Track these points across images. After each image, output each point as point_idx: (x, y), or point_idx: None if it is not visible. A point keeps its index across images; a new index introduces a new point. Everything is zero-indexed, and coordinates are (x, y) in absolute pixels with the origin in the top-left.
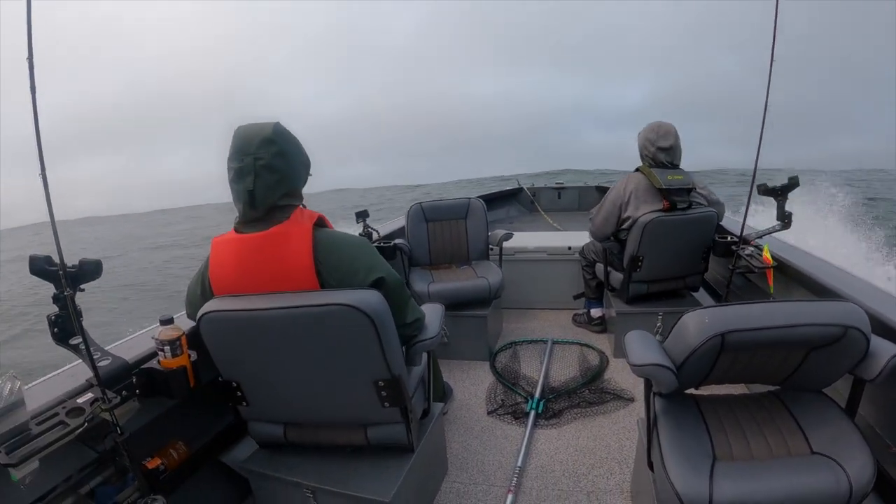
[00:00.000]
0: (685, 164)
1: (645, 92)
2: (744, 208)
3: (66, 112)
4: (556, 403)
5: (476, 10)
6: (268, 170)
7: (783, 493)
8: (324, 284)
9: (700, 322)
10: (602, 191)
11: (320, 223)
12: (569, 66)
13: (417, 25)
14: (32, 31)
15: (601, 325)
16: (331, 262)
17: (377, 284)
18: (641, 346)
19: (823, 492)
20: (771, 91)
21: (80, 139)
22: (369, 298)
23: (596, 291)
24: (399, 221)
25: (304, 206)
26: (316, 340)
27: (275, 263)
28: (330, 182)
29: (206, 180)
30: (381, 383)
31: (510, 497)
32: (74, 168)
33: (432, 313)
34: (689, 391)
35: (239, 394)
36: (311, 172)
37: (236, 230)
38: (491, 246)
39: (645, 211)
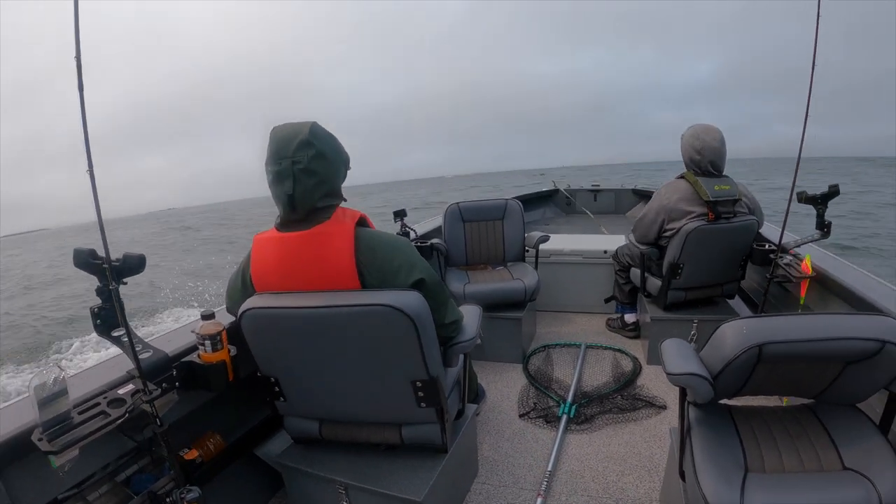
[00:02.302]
0: (750, 146)
1: (714, 66)
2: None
3: (124, 105)
4: (588, 408)
5: None
6: (307, 173)
7: None
8: (365, 284)
9: (738, 332)
10: (639, 194)
11: (362, 222)
12: (633, 42)
13: (465, 8)
14: (80, 29)
15: (635, 331)
16: (373, 261)
17: (418, 285)
18: (678, 354)
19: None
20: (854, 59)
21: (137, 134)
22: (411, 300)
23: (629, 297)
24: (436, 221)
25: (346, 201)
26: (356, 340)
27: (316, 262)
28: (395, 172)
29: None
30: (418, 384)
31: (539, 500)
32: (138, 162)
33: (470, 315)
34: (723, 401)
35: (277, 389)
36: (349, 166)
37: (277, 229)
38: (527, 248)
39: (688, 220)
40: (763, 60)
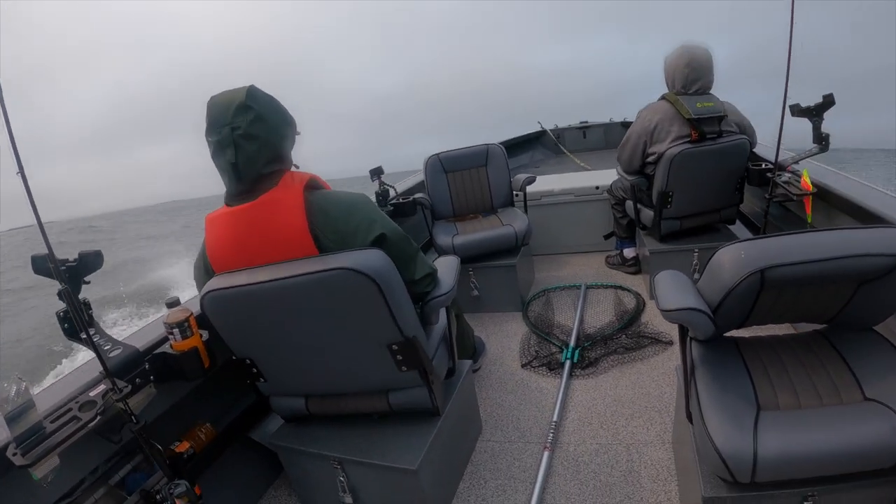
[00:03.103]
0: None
1: (722, 54)
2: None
3: (121, 99)
4: (592, 351)
5: None
6: (247, 139)
7: (835, 444)
8: (322, 249)
9: (736, 257)
10: (628, 126)
11: (313, 184)
12: (638, 30)
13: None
14: None
15: (635, 266)
16: (327, 223)
17: (379, 241)
18: (673, 288)
19: (879, 442)
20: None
21: (140, 127)
22: (371, 259)
23: (627, 230)
24: (417, 176)
25: (297, 168)
26: (321, 309)
27: (269, 233)
28: (406, 161)
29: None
30: (394, 347)
31: (546, 454)
32: (139, 154)
33: (446, 266)
34: (728, 334)
35: (254, 370)
36: (298, 131)
37: (227, 204)
38: (515, 192)
39: (672, 143)
40: (771, 49)
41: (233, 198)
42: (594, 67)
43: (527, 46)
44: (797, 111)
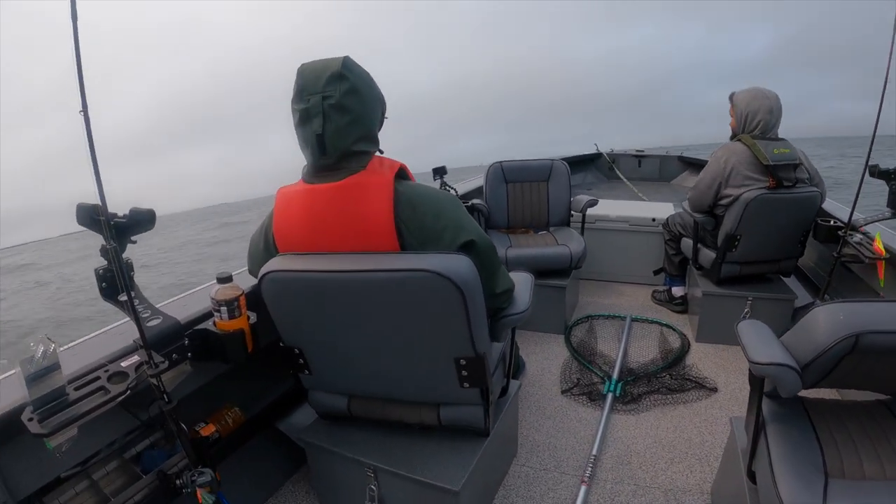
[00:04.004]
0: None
1: (766, 40)
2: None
3: (158, 104)
4: (635, 387)
5: None
6: (339, 110)
7: None
8: (404, 245)
9: (833, 318)
10: (685, 161)
11: (402, 174)
12: (682, 15)
13: None
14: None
15: (682, 305)
16: (414, 219)
17: (466, 248)
18: (760, 340)
19: None
20: None
21: (177, 133)
22: (459, 265)
23: (678, 268)
24: (477, 181)
25: (383, 153)
26: (394, 310)
27: (349, 219)
28: (439, 161)
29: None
30: (462, 361)
31: (584, 489)
32: (182, 160)
33: (522, 284)
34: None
35: (301, 361)
36: (386, 114)
37: (305, 181)
38: (572, 212)
39: (747, 189)
40: (820, 31)
41: (313, 174)
42: (638, 57)
43: (567, 37)
44: (876, 173)
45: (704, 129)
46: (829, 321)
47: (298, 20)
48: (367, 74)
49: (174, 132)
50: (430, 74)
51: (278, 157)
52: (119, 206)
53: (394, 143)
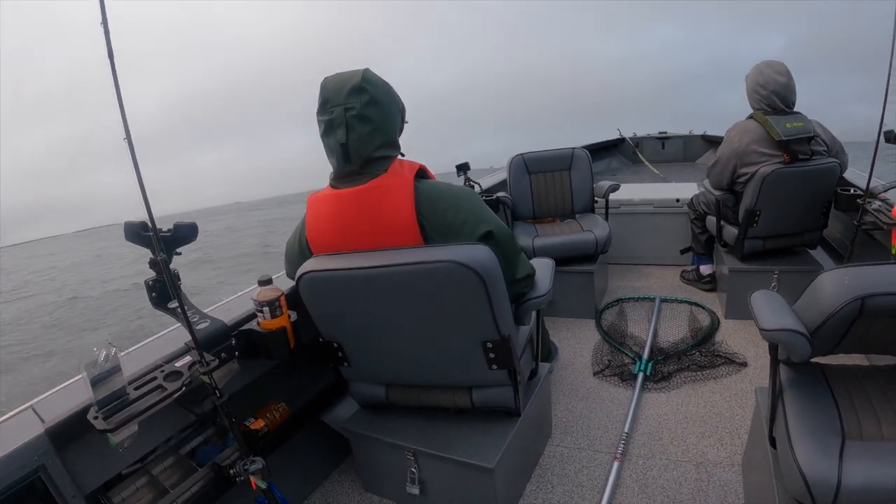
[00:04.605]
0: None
1: (785, 41)
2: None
3: (168, 105)
4: (665, 366)
5: None
6: (360, 120)
7: None
8: (428, 239)
9: (839, 283)
10: (708, 140)
11: (422, 174)
12: (703, 16)
13: None
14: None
15: (711, 284)
16: (435, 215)
17: (486, 238)
18: (770, 308)
19: None
20: None
21: (188, 133)
22: (479, 254)
23: (705, 247)
24: (501, 174)
25: (403, 156)
26: (420, 300)
27: (375, 219)
28: (456, 161)
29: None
30: (489, 344)
31: (616, 465)
32: (194, 159)
33: (543, 269)
34: (815, 360)
35: (340, 354)
36: (406, 119)
37: (332, 186)
38: (596, 198)
39: (762, 165)
40: (839, 36)
41: (339, 180)
42: (653, 58)
43: (582, 39)
44: (893, 138)
45: (721, 130)
46: (834, 286)
47: (319, 25)
48: (386, 84)
49: (180, 133)
50: (443, 75)
51: (290, 155)
52: (130, 208)
53: (403, 143)
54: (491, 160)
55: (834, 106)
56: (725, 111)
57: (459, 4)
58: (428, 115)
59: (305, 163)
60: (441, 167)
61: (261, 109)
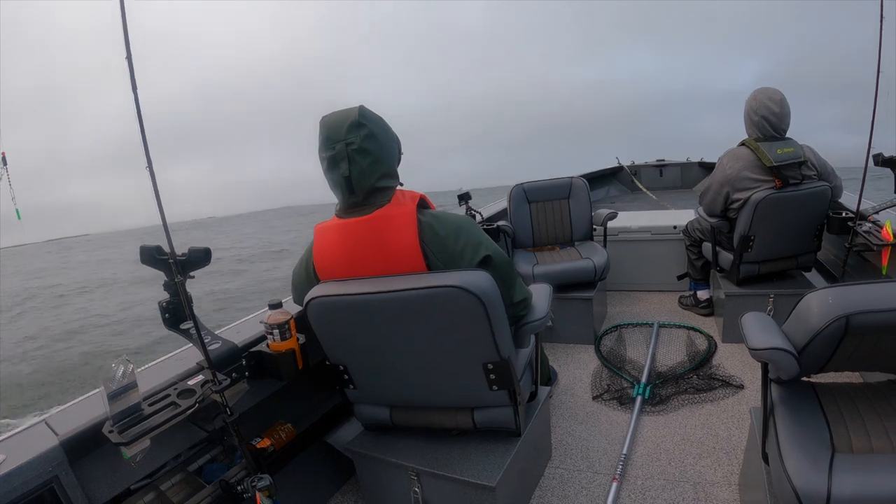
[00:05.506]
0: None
1: (754, 70)
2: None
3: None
4: (664, 389)
5: None
6: (361, 153)
7: None
8: (430, 266)
9: (823, 303)
10: (705, 167)
11: (423, 204)
12: (667, 48)
13: (484, 8)
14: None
15: (708, 308)
16: (436, 242)
17: (484, 263)
18: (759, 328)
19: None
20: None
21: (162, 145)
22: (478, 279)
23: (701, 272)
24: (501, 203)
25: (402, 185)
26: (424, 323)
27: (379, 247)
28: (439, 181)
29: (296, 179)
30: (489, 366)
31: (615, 486)
32: (165, 174)
33: (540, 293)
34: (805, 378)
35: (346, 377)
36: (402, 151)
37: (338, 216)
38: (594, 226)
39: (755, 191)
40: (819, 62)
41: (345, 211)
42: (630, 85)
43: (558, 64)
44: (881, 161)
45: (696, 154)
46: (819, 305)
47: (287, 40)
48: (381, 119)
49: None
50: (418, 96)
51: (261, 175)
52: (111, 217)
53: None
54: (461, 181)
55: (808, 133)
56: (700, 135)
57: (431, 24)
58: (406, 137)
59: (278, 181)
60: (419, 186)
61: (225, 132)
